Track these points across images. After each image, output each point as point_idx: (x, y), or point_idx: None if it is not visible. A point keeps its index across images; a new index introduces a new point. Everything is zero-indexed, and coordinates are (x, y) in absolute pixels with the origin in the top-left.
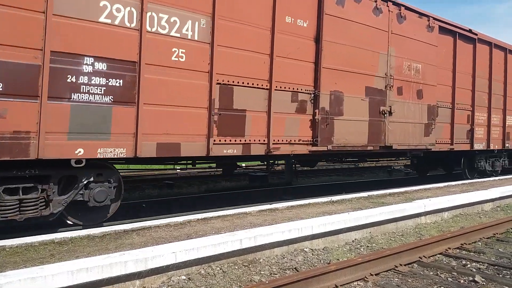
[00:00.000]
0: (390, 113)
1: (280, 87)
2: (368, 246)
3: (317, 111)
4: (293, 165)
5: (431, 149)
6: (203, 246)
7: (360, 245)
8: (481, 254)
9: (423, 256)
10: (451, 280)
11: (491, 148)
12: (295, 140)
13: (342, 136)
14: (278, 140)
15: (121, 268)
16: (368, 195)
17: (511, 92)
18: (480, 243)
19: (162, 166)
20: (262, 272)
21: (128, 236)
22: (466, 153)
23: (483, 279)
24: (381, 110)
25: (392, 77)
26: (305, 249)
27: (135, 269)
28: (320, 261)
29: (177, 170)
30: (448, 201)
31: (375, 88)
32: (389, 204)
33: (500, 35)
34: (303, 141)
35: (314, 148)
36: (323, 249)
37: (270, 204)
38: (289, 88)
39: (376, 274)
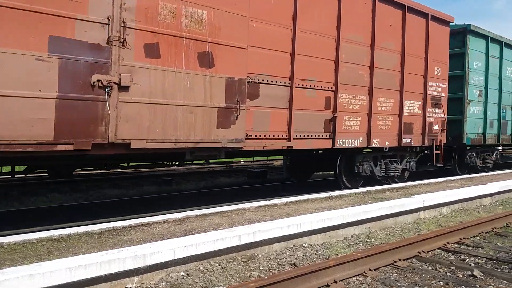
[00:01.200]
0: (123, 86)
1: None
2: (367, 241)
3: None
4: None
5: (240, 147)
6: (202, 242)
7: (359, 240)
8: (480, 248)
9: (422, 251)
10: (449, 274)
11: (373, 145)
12: None
13: None
14: None
15: (119, 265)
16: (367, 190)
17: (414, 67)
18: (478, 238)
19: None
20: (261, 268)
21: (126, 232)
22: (345, 151)
23: (482, 274)
24: (94, 80)
25: (125, 24)
26: (304, 245)
27: (133, 265)
28: (319, 256)
29: (175, 167)
30: (447, 196)
31: (79, 42)
32: (387, 199)
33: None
34: None
35: None
36: (322, 244)
37: (269, 200)
38: None
39: (375, 269)
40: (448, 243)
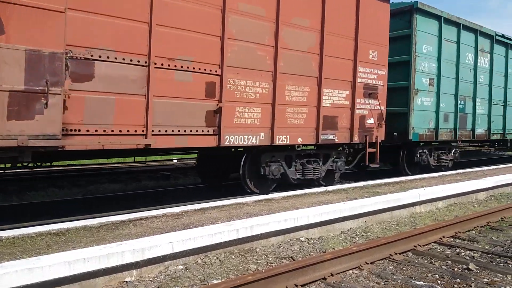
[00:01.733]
0: None
1: None
2: (363, 235)
3: None
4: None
5: (58, 146)
6: (200, 236)
7: (355, 234)
8: (475, 242)
9: (418, 244)
10: (445, 268)
11: (280, 142)
12: None
13: None
14: None
15: (118, 258)
16: (363, 185)
17: (339, 49)
18: (474, 232)
19: (158, 158)
20: (258, 261)
21: (125, 226)
22: (250, 150)
23: (477, 267)
24: None
25: None
26: (301, 238)
27: (132, 259)
28: (316, 250)
29: (174, 161)
30: (443, 191)
31: None
32: (384, 193)
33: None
34: None
35: None
36: (318, 238)
37: (266, 194)
38: None
39: (371, 263)
40: (443, 237)
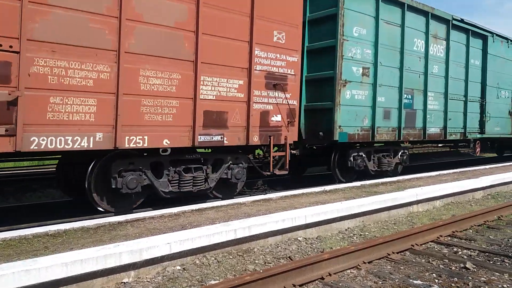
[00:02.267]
0: None
1: None
2: (361, 235)
3: None
4: None
5: None
6: (198, 236)
7: (353, 233)
8: (472, 241)
9: (415, 244)
10: (442, 267)
11: (129, 145)
12: None
13: None
14: None
15: (115, 260)
16: (361, 185)
17: (225, 26)
18: (471, 231)
19: None
20: (256, 262)
21: (122, 227)
22: (102, 155)
23: (474, 266)
24: None
25: None
26: (298, 238)
27: (129, 260)
28: (314, 249)
29: None
30: (440, 190)
31: None
32: (381, 193)
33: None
34: None
35: None
36: (316, 238)
37: (264, 194)
38: None
39: (369, 262)
40: (441, 236)
